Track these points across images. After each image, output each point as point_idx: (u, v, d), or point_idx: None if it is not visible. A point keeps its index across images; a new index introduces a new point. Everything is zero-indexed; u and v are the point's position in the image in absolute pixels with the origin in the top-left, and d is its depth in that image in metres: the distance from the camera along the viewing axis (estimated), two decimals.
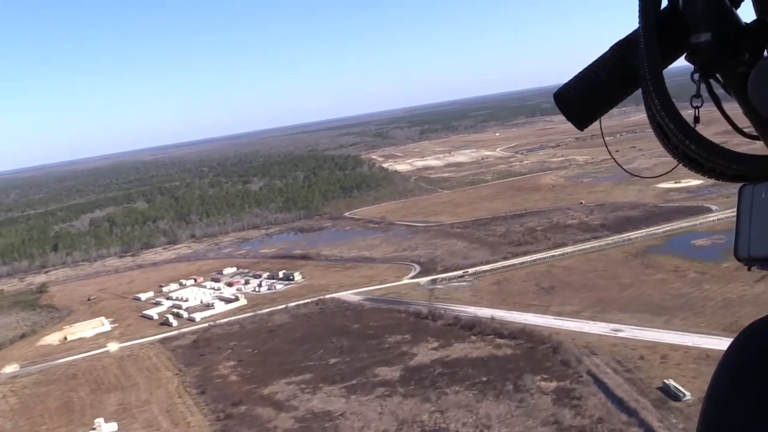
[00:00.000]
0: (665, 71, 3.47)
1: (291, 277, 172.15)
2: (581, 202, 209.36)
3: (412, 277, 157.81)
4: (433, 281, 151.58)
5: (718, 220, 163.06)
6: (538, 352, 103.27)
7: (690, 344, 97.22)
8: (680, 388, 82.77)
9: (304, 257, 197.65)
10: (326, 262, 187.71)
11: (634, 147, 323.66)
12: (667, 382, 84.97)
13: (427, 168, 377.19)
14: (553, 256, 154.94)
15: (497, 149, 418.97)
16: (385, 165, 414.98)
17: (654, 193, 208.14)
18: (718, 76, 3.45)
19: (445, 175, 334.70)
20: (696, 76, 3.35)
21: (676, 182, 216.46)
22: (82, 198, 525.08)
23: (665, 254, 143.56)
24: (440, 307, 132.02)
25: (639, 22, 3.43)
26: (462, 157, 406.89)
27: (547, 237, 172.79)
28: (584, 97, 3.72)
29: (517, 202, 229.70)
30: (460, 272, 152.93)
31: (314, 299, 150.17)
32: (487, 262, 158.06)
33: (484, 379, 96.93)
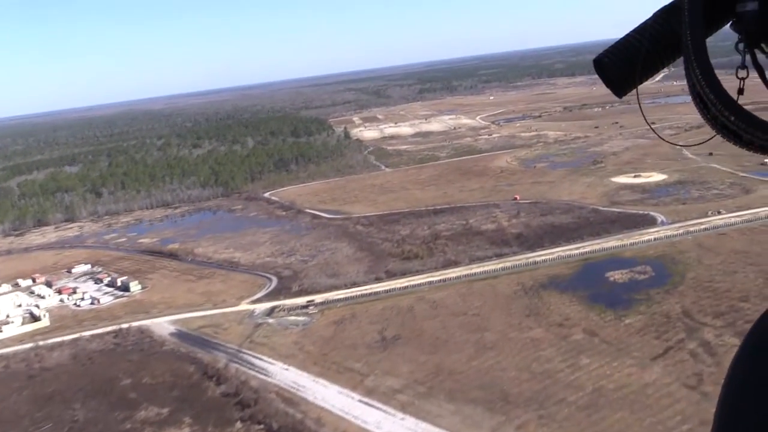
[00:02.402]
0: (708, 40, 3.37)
1: (127, 288, 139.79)
2: (515, 198, 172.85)
3: (254, 301, 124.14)
4: (272, 310, 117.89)
5: (655, 240, 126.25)
6: None
7: None
8: None
9: (171, 255, 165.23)
10: (187, 265, 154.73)
11: (616, 123, 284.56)
12: None
13: (393, 137, 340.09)
14: (431, 282, 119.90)
15: (478, 117, 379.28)
16: (354, 130, 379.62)
17: (604, 189, 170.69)
18: (763, 46, 3.34)
19: (404, 147, 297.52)
20: (741, 45, 3.28)
21: (635, 176, 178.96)
22: (51, 153, 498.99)
23: (564, 292, 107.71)
24: (244, 360, 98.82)
25: None
26: (437, 124, 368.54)
27: (444, 250, 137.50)
28: (624, 65, 3.62)
29: (449, 191, 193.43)
30: (305, 300, 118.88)
31: (119, 327, 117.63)
32: (352, 285, 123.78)
33: None
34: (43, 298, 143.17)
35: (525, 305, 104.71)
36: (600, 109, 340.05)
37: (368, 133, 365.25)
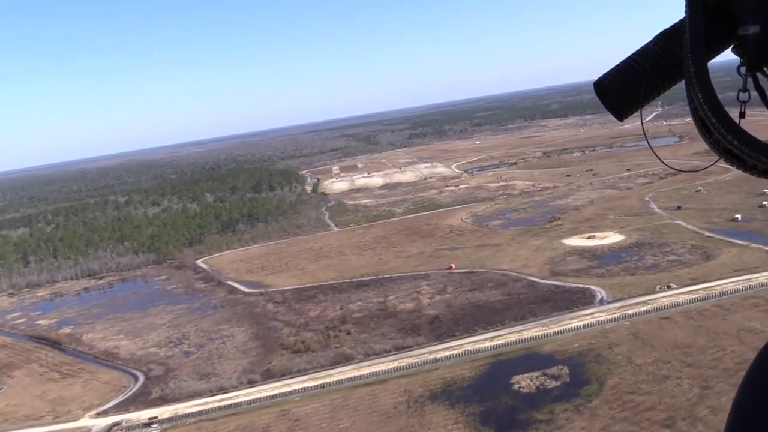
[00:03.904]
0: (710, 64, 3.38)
1: None
2: (451, 266, 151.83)
3: (100, 413, 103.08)
4: (110, 429, 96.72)
5: (585, 327, 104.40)
6: None
7: None
8: None
9: (55, 343, 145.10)
10: (62, 358, 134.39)
11: (590, 170, 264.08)
12: None
13: (360, 189, 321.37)
14: (307, 389, 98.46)
15: (453, 165, 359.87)
16: (327, 182, 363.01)
17: (551, 255, 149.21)
18: (765, 69, 3.32)
19: (366, 201, 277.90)
20: (743, 69, 3.27)
21: (589, 237, 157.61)
22: (25, 210, 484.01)
23: (454, 407, 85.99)
24: None
25: (686, 12, 3.30)
26: (410, 174, 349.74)
27: (343, 341, 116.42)
28: (625, 88, 3.57)
29: (386, 257, 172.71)
30: (149, 416, 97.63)
31: None
32: (219, 390, 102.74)
33: None
34: None
35: (399, 428, 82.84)
36: (579, 154, 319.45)
37: (338, 185, 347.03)
